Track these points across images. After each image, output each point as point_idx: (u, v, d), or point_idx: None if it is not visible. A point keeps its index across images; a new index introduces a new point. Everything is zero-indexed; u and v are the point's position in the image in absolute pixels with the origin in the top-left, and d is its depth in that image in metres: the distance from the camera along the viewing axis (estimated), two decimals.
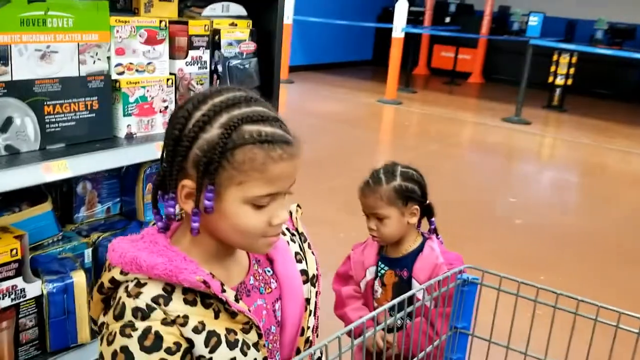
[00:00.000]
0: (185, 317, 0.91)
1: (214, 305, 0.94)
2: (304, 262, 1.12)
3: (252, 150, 0.87)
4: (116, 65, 1.56)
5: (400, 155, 6.47)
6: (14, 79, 1.35)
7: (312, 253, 1.15)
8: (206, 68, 1.79)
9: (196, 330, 0.91)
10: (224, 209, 0.91)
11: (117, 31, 1.54)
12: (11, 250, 1.39)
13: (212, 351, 0.92)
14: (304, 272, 1.11)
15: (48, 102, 1.42)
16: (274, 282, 1.08)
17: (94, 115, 1.53)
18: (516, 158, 6.93)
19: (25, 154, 1.39)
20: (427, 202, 1.66)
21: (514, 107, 8.30)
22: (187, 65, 1.73)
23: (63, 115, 1.46)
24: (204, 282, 0.90)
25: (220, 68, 1.80)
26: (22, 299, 1.43)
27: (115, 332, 0.89)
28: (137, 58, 1.61)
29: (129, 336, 0.88)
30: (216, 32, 1.79)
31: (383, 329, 1.52)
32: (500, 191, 5.42)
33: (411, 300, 1.07)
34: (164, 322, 0.89)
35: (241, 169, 0.88)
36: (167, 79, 1.68)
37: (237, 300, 0.96)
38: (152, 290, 0.91)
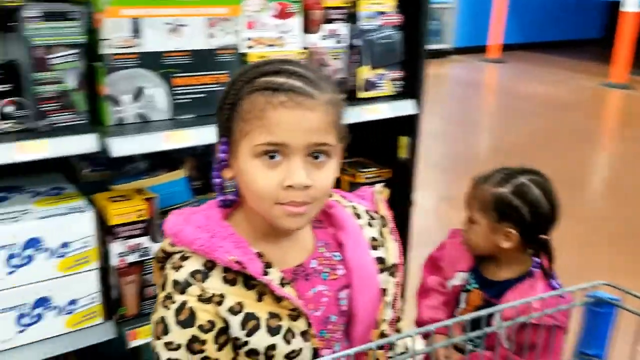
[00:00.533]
0: (221, 296, 0.88)
1: (258, 287, 0.89)
2: (382, 249, 1.01)
3: (256, 97, 0.86)
4: (246, 39, 1.57)
5: (617, 148, 5.64)
6: (145, 50, 1.43)
7: (394, 240, 1.03)
8: (343, 42, 1.70)
9: (232, 311, 0.88)
10: (239, 166, 0.89)
11: (248, 5, 1.54)
12: (139, 211, 1.50)
13: (249, 334, 0.88)
14: (380, 260, 1.00)
15: (177, 74, 1.48)
16: (341, 269, 0.99)
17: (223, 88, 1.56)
18: None
19: (154, 122, 1.48)
20: (542, 236, 1.33)
21: None
22: (322, 40, 1.67)
23: (192, 87, 1.51)
24: (238, 262, 0.86)
25: (358, 42, 1.71)
26: (147, 257, 1.55)
27: (159, 302, 0.91)
28: (268, 32, 1.59)
29: (167, 308, 0.89)
30: (355, 3, 1.69)
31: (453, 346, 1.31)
32: None
33: (490, 322, 0.88)
34: (201, 299, 0.88)
35: (246, 117, 0.86)
36: (299, 54, 1.64)
37: (283, 284, 0.89)
38: (193, 264, 0.90)
